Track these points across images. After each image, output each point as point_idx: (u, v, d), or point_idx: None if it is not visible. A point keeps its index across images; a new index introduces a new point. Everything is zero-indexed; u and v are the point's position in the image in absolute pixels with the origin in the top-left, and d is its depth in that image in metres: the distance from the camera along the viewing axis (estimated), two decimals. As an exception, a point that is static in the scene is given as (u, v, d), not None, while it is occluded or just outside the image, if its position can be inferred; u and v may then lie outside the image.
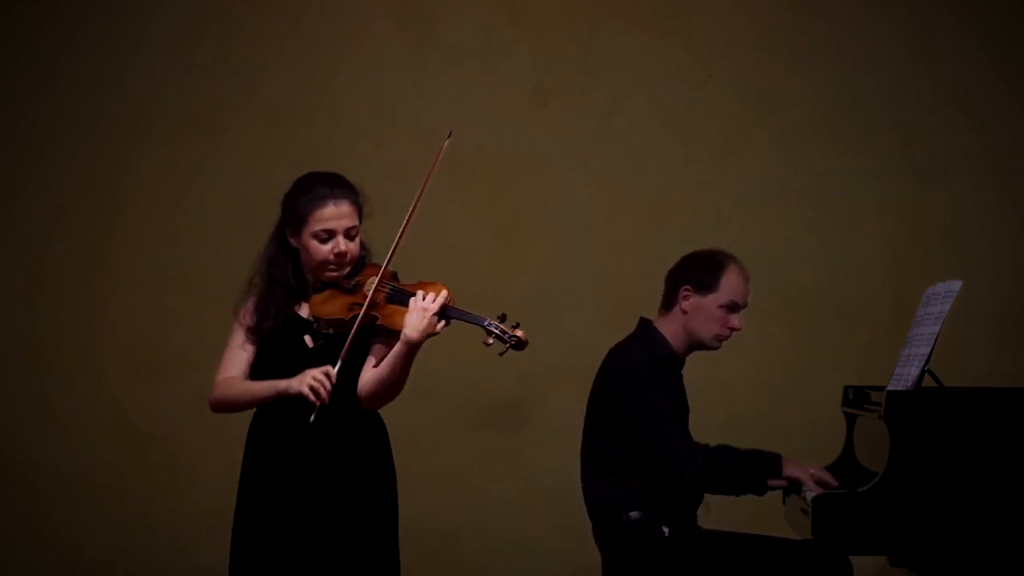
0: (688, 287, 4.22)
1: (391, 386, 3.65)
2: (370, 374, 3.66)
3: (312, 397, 3.54)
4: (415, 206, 3.65)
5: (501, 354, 3.60)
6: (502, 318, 3.61)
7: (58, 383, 5.82)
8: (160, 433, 5.78)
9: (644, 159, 5.82)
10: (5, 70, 5.89)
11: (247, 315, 3.75)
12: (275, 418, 3.70)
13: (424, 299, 3.58)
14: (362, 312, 3.61)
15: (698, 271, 4.23)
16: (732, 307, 4.22)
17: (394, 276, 3.73)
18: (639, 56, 5.82)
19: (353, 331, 3.60)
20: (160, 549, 5.77)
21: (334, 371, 3.57)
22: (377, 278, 3.65)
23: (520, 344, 3.58)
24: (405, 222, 3.64)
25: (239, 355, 3.75)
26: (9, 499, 5.82)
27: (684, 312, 4.22)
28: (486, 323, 3.59)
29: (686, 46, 5.82)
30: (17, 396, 5.83)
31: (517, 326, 3.60)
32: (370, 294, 3.63)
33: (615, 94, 5.83)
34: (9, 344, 5.84)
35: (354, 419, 3.69)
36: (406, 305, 3.60)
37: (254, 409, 3.75)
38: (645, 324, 4.29)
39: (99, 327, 5.82)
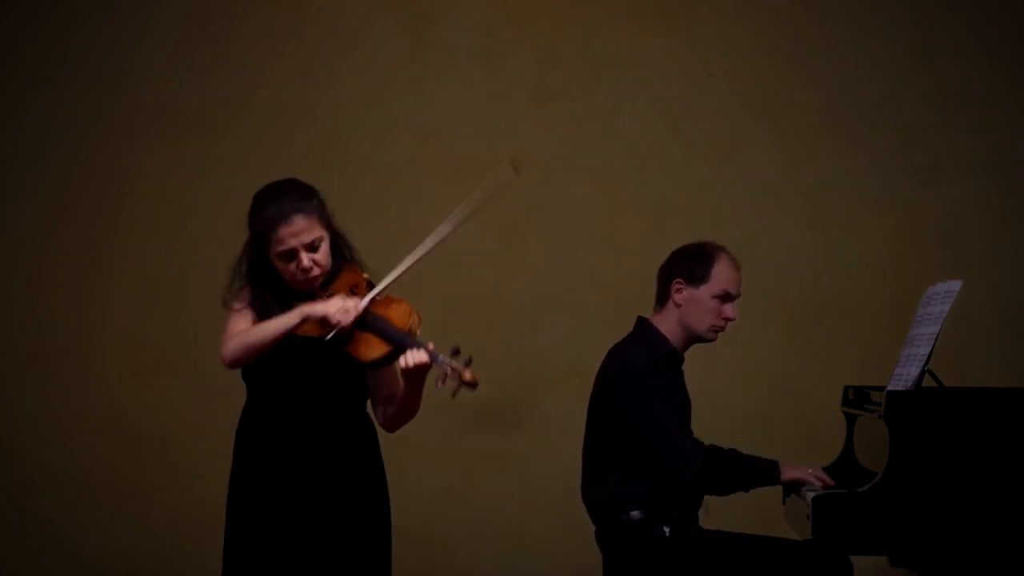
0: (680, 280, 4.23)
1: (412, 411, 3.77)
2: (390, 418, 3.76)
3: (336, 319, 3.50)
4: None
5: (453, 395, 3.53)
6: (455, 352, 3.53)
7: (58, 383, 5.82)
8: (160, 433, 5.78)
9: (644, 159, 5.82)
10: (5, 70, 5.89)
11: (248, 300, 3.67)
12: (264, 420, 3.67)
13: (411, 355, 3.53)
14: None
15: (689, 263, 4.24)
16: (725, 297, 4.23)
17: (368, 284, 3.66)
18: (639, 56, 5.82)
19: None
20: (160, 549, 5.77)
21: (363, 304, 3.53)
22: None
23: (472, 386, 3.50)
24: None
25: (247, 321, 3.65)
26: (9, 499, 5.82)
27: (678, 305, 4.23)
28: (439, 360, 3.53)
29: (686, 46, 5.82)
30: (17, 396, 5.83)
31: (469, 363, 3.51)
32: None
33: (615, 94, 5.83)
34: (9, 344, 5.84)
35: (343, 422, 3.68)
36: (372, 332, 3.55)
37: (242, 410, 3.72)
38: (642, 322, 4.29)
39: (99, 327, 5.82)
